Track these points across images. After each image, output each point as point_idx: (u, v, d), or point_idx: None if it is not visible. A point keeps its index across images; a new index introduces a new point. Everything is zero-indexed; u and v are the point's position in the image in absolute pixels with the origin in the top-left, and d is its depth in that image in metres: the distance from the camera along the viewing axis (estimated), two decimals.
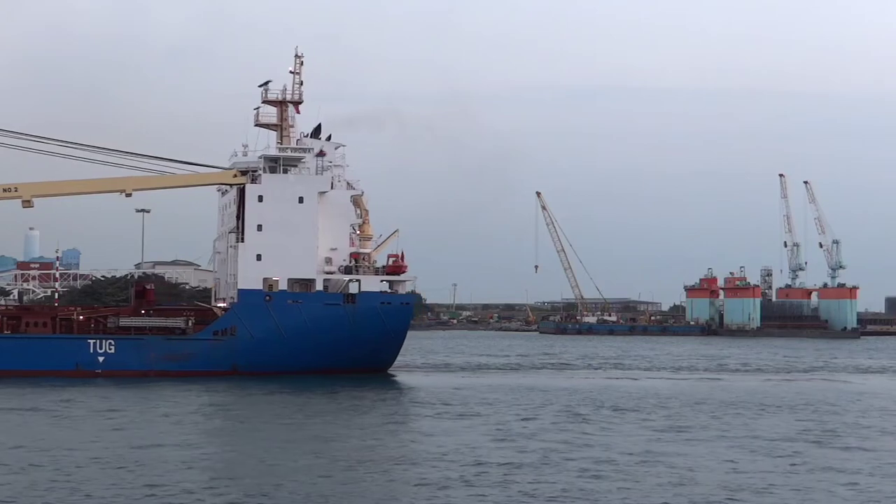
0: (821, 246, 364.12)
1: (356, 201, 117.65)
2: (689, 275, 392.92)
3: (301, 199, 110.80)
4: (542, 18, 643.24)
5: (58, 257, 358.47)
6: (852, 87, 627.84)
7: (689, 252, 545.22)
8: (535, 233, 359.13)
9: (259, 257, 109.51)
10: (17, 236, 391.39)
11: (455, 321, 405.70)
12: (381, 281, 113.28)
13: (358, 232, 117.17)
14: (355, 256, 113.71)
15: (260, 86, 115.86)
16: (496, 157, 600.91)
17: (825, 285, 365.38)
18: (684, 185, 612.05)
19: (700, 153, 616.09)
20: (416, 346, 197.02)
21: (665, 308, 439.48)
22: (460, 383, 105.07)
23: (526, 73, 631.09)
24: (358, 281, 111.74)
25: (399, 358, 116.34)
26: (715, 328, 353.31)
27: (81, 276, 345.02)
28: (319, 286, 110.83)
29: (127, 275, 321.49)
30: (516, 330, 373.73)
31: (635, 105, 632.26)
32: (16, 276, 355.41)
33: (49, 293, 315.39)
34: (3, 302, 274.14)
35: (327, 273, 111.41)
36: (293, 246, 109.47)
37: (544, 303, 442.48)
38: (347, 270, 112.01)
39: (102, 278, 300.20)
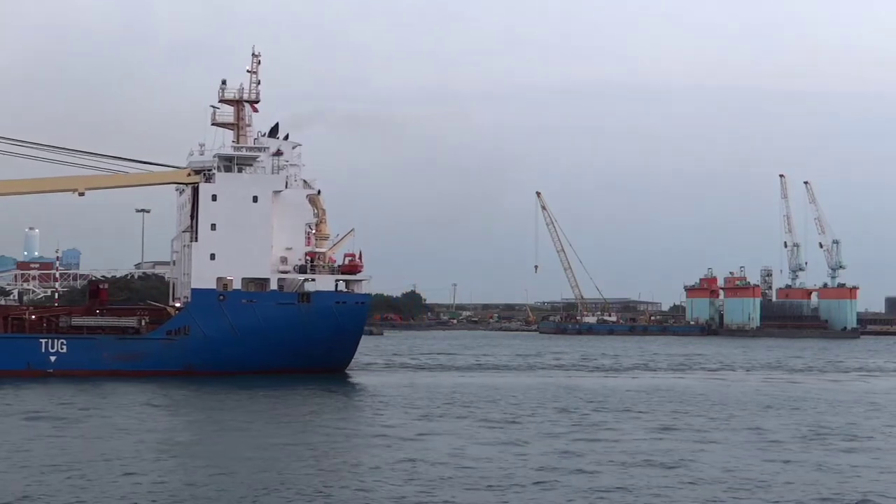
0: (821, 246, 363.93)
1: (313, 200, 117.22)
2: (689, 275, 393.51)
3: (255, 199, 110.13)
4: (542, 17, 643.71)
5: (58, 257, 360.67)
6: (852, 86, 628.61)
7: (689, 252, 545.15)
8: (535, 233, 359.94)
9: (213, 256, 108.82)
10: (17, 236, 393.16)
11: (455, 321, 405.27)
12: (337, 280, 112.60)
13: (314, 231, 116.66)
14: (311, 256, 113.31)
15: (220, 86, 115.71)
16: (496, 156, 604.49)
17: (825, 285, 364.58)
18: (684, 184, 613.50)
19: (700, 153, 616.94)
20: (403, 346, 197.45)
21: (665, 308, 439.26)
22: (415, 382, 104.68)
23: (526, 72, 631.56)
24: (313, 280, 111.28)
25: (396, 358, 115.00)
26: (715, 328, 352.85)
27: (81, 276, 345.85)
28: (274, 285, 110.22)
29: (127, 275, 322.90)
30: (516, 330, 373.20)
31: (635, 105, 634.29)
32: (16, 276, 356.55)
33: (49, 293, 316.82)
34: (2, 301, 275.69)
35: (282, 272, 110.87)
36: (247, 245, 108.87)
37: (544, 303, 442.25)
38: (302, 270, 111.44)
39: (102, 278, 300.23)
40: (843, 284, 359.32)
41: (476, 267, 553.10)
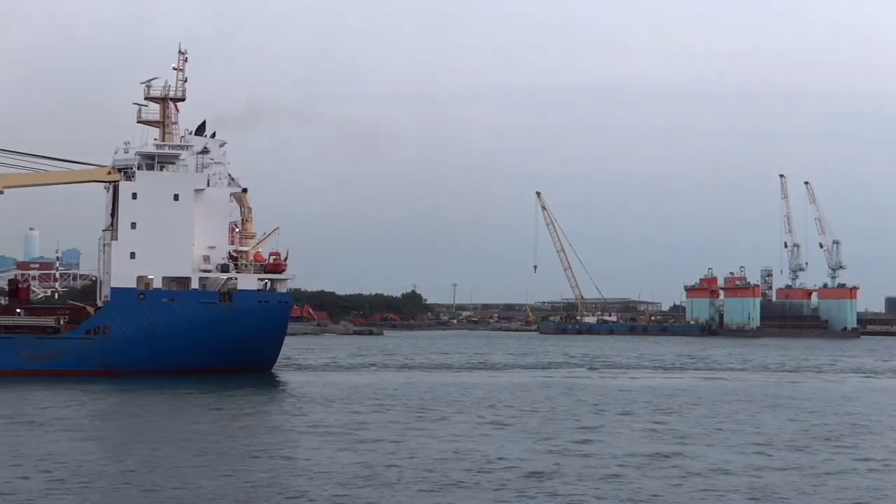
0: (821, 246, 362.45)
1: (239, 199, 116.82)
2: (689, 275, 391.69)
3: (176, 197, 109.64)
4: (542, 17, 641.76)
5: (58, 257, 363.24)
6: (852, 87, 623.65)
7: (689, 252, 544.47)
8: (535, 233, 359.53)
9: (133, 255, 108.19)
10: (17, 236, 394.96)
11: (455, 321, 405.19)
12: (259, 279, 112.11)
13: (238, 230, 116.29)
14: (235, 255, 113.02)
15: (143, 82, 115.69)
16: (496, 156, 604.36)
17: (825, 285, 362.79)
18: (685, 184, 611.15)
19: (700, 153, 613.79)
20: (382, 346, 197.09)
21: (665, 308, 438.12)
22: (339, 381, 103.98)
23: (527, 72, 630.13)
24: (234, 279, 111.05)
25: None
26: (715, 328, 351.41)
27: (81, 276, 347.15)
28: (196, 284, 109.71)
29: None
30: (516, 330, 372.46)
31: (636, 105, 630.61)
32: (16, 276, 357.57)
33: (49, 293, 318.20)
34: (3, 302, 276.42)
35: (204, 271, 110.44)
36: (168, 244, 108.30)
37: (544, 303, 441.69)
38: (224, 268, 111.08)
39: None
40: (843, 284, 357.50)
41: (476, 267, 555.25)
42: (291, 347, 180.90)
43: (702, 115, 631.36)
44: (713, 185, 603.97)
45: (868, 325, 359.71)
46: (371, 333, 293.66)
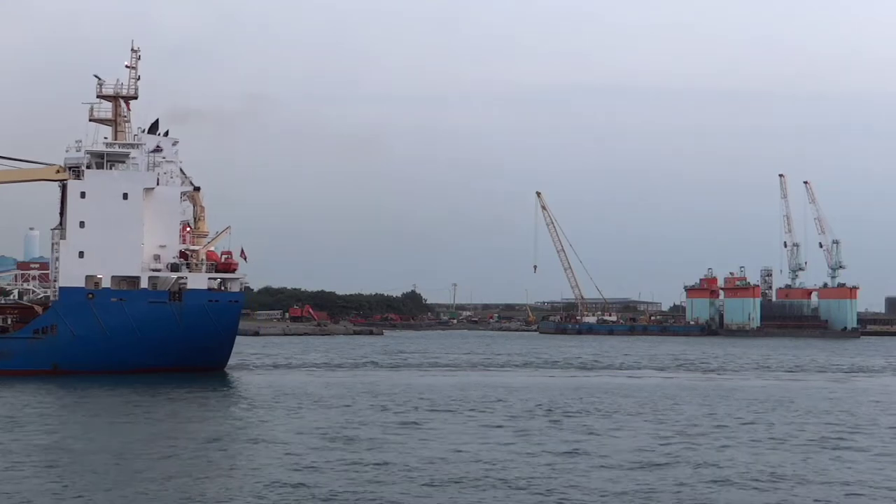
0: (821, 246, 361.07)
1: (192, 198, 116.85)
2: (689, 275, 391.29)
3: (125, 196, 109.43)
4: (541, 17, 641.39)
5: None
6: (852, 86, 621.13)
7: (689, 252, 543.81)
8: (535, 233, 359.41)
9: (81, 254, 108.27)
10: (17, 236, 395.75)
11: (455, 321, 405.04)
12: (210, 278, 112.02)
13: (189, 229, 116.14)
14: (186, 254, 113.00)
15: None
16: (496, 156, 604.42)
17: (825, 285, 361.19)
18: (684, 184, 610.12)
19: (701, 153, 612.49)
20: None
21: (665, 308, 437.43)
22: (290, 381, 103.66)
23: (527, 72, 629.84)
24: (185, 278, 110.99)
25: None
26: (715, 328, 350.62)
27: None
28: (145, 284, 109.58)
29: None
30: (516, 330, 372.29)
31: (635, 105, 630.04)
32: (16, 276, 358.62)
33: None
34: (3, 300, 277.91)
35: (154, 270, 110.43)
36: (117, 243, 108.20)
37: (544, 303, 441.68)
38: (175, 268, 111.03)
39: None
40: (843, 284, 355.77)
41: (476, 267, 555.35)
42: (293, 346, 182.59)
43: (702, 115, 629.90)
44: (713, 184, 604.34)
45: (868, 325, 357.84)
46: (371, 333, 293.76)
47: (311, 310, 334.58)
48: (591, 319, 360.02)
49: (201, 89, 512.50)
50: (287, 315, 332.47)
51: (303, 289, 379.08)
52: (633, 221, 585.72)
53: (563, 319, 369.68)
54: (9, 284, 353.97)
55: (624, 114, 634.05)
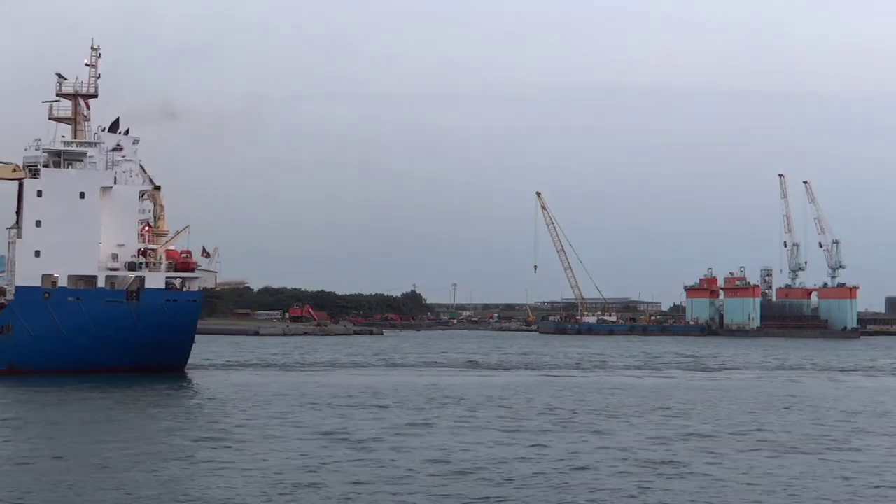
0: (821, 246, 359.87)
1: (153, 197, 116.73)
2: (689, 275, 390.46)
3: (82, 195, 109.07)
4: (542, 17, 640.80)
5: None
6: (852, 86, 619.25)
7: (689, 252, 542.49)
8: (535, 233, 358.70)
9: (38, 254, 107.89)
10: None
11: (455, 321, 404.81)
12: (168, 278, 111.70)
13: (150, 228, 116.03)
14: (145, 253, 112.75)
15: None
16: (496, 156, 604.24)
17: (825, 285, 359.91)
18: (684, 184, 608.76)
19: (701, 153, 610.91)
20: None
21: (665, 308, 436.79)
22: (249, 381, 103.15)
23: (527, 71, 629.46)
24: (142, 278, 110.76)
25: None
26: (715, 328, 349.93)
27: None
28: (102, 283, 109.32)
29: None
30: (516, 330, 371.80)
31: (636, 104, 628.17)
32: None
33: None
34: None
35: (111, 269, 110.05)
36: (74, 242, 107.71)
37: (544, 303, 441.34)
38: (132, 267, 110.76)
39: None
40: (843, 284, 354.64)
41: (476, 267, 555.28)
42: (292, 346, 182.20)
43: (702, 115, 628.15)
44: (713, 184, 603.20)
45: (868, 325, 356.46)
46: (371, 333, 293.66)
47: (311, 310, 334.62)
48: (591, 319, 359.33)
49: (201, 89, 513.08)
50: (287, 315, 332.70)
51: (303, 289, 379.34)
52: (634, 221, 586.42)
53: (563, 319, 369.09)
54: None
55: (624, 113, 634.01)
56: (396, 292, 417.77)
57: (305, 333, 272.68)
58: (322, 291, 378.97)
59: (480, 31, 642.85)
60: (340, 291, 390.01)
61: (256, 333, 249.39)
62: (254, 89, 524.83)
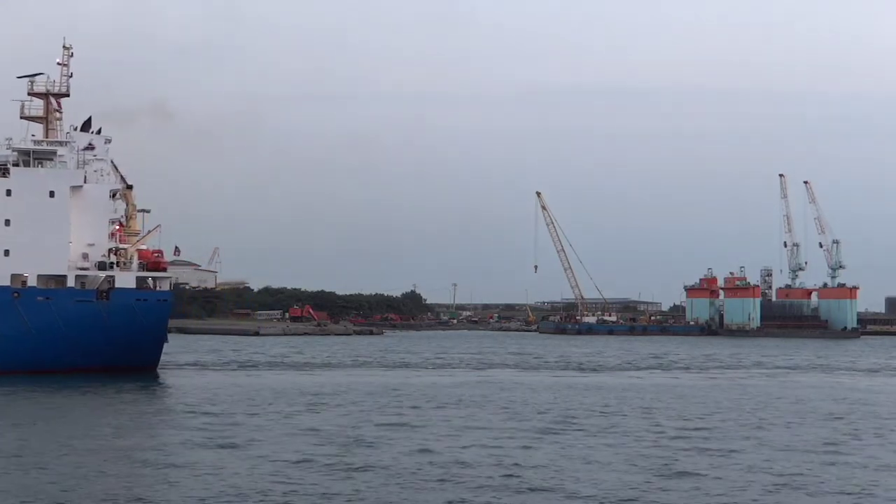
0: (821, 246, 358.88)
1: (124, 196, 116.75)
2: (689, 275, 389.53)
3: (52, 194, 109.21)
4: (542, 17, 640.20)
5: None
6: (852, 86, 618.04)
7: (689, 252, 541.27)
8: (535, 233, 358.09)
9: (7, 253, 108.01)
10: None
11: (455, 321, 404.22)
12: (139, 277, 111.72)
13: (118, 228, 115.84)
14: (116, 252, 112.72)
15: (20, 77, 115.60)
16: (496, 156, 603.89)
17: (825, 285, 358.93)
18: (684, 184, 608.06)
19: (700, 153, 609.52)
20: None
21: (665, 308, 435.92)
22: (220, 382, 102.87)
23: (527, 71, 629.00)
24: (112, 277, 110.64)
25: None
26: (715, 328, 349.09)
27: None
28: (72, 282, 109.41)
29: None
30: (516, 330, 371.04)
31: (636, 105, 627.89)
32: None
33: None
34: None
35: (81, 269, 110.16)
36: (43, 241, 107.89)
37: (544, 303, 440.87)
38: (102, 266, 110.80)
39: None
40: (843, 284, 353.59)
41: (476, 267, 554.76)
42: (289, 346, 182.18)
43: (702, 115, 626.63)
44: (713, 184, 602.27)
45: (868, 325, 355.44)
46: (371, 333, 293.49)
47: (311, 310, 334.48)
48: (591, 319, 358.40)
49: (201, 89, 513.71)
50: (287, 315, 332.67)
51: (303, 289, 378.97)
52: (634, 221, 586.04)
53: (562, 319, 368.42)
54: None
55: (624, 114, 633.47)
56: (396, 292, 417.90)
57: (305, 333, 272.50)
58: (322, 291, 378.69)
59: (481, 31, 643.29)
60: (340, 291, 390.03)
61: (256, 333, 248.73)
62: (253, 89, 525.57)
